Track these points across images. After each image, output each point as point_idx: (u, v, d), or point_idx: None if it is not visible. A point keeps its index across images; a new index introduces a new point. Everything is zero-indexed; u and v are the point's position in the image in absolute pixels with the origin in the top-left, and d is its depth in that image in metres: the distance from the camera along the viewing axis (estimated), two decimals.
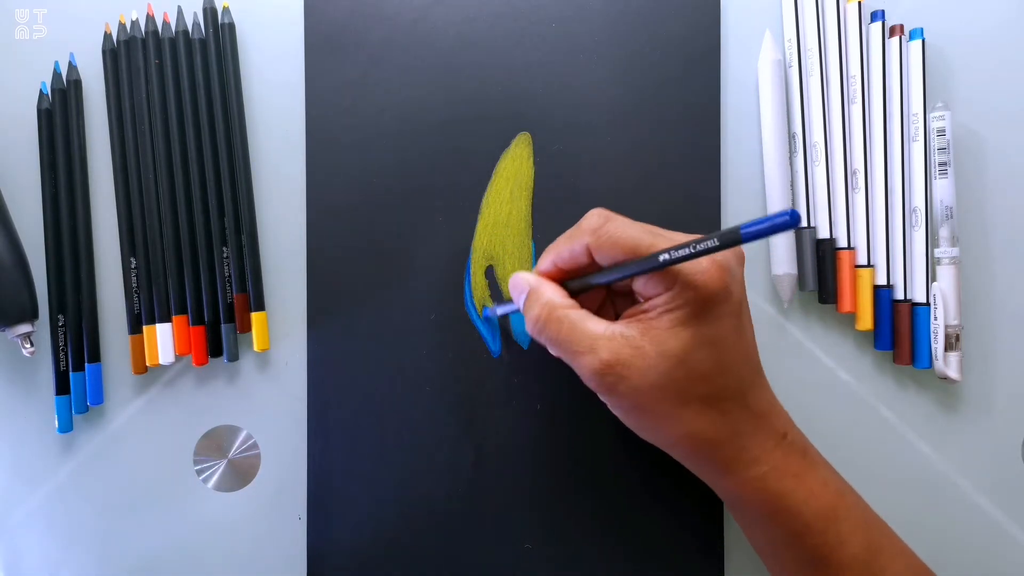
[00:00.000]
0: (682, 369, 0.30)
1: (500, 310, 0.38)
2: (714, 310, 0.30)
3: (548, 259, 0.34)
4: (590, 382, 0.32)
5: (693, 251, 0.28)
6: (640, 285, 0.32)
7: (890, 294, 0.40)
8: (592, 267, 0.33)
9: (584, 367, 0.31)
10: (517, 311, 0.36)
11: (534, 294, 0.34)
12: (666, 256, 0.29)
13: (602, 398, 0.33)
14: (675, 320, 0.30)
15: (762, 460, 0.32)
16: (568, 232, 0.34)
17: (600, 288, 0.35)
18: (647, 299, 0.31)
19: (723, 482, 0.33)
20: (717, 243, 0.28)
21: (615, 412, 0.33)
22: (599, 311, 0.36)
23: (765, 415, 0.33)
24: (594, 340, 0.31)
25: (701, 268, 0.30)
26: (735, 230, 0.27)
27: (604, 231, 0.32)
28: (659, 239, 0.31)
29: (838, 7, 0.40)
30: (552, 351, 0.33)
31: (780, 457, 0.32)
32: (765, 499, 0.32)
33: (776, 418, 0.33)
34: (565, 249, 0.33)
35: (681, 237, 0.31)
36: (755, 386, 0.33)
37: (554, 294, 0.33)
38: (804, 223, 0.40)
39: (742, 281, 0.32)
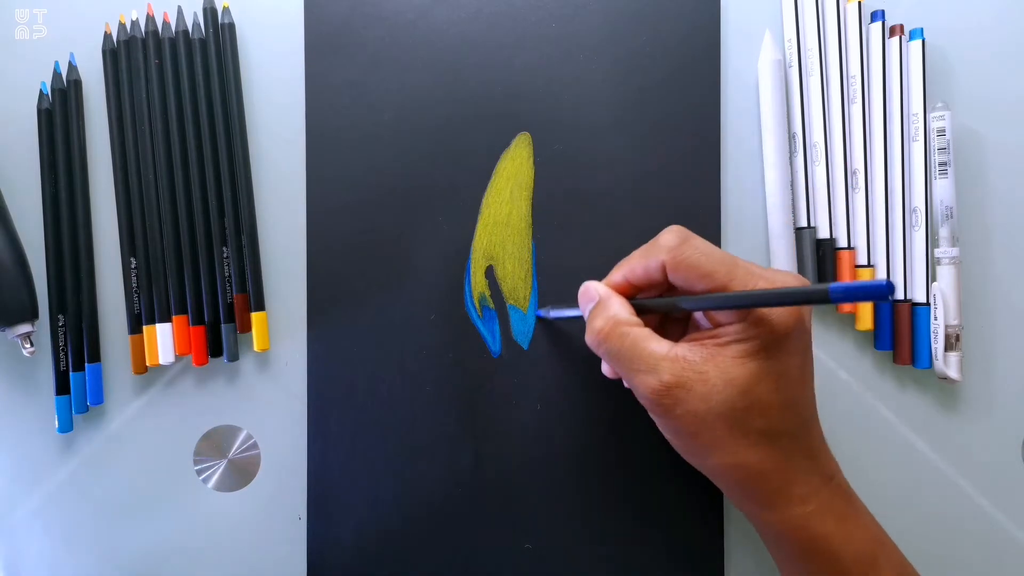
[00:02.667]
0: (745, 400, 0.30)
1: (556, 313, 0.38)
2: (785, 346, 0.30)
3: (620, 273, 0.34)
4: (646, 402, 0.31)
5: (776, 296, 0.28)
6: (711, 312, 0.31)
7: None
8: (664, 284, 0.33)
9: (643, 386, 0.31)
10: (575, 317, 0.35)
11: (602, 306, 0.33)
12: (748, 294, 0.29)
13: (655, 418, 0.32)
14: (744, 351, 0.30)
15: (808, 499, 0.31)
16: (643, 248, 0.33)
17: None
18: (716, 324, 0.31)
19: (765, 516, 0.32)
20: (805, 295, 0.28)
21: (665, 433, 0.33)
22: (660, 327, 0.36)
23: (816, 454, 0.32)
24: (656, 360, 0.31)
25: (777, 312, 0.30)
26: (823, 289, 0.26)
27: (682, 253, 0.31)
28: (737, 269, 0.30)
29: (838, 7, 0.40)
30: (609, 365, 0.33)
31: (826, 498, 0.32)
32: (807, 538, 0.31)
33: (825, 459, 0.33)
34: (639, 265, 0.33)
35: (758, 270, 0.31)
36: (810, 425, 0.32)
37: (620, 309, 0.33)
38: (804, 223, 0.40)
39: (811, 317, 0.32)
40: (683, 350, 0.31)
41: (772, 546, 0.34)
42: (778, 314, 0.30)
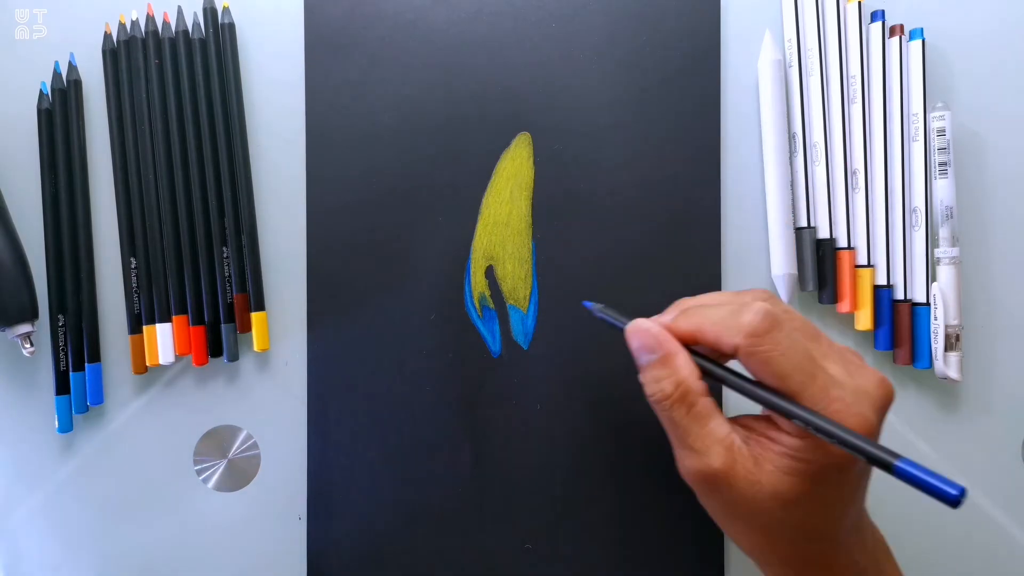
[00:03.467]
0: (786, 512, 0.29)
1: (601, 315, 0.35)
2: (838, 475, 0.29)
3: (690, 324, 0.31)
4: (688, 478, 0.31)
5: (843, 438, 0.27)
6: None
7: (890, 294, 0.40)
8: (728, 357, 0.30)
9: (689, 463, 0.30)
10: (620, 327, 0.33)
11: (671, 362, 0.30)
12: (816, 422, 0.27)
13: (689, 484, 0.31)
14: (796, 470, 0.28)
15: None
16: (723, 312, 0.30)
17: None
18: (777, 427, 0.29)
19: None
20: (871, 454, 0.26)
21: (699, 498, 0.32)
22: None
23: (854, 549, 0.31)
24: (712, 443, 0.29)
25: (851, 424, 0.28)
26: (890, 460, 0.26)
27: (762, 347, 0.28)
28: (815, 382, 0.28)
29: (838, 7, 0.40)
30: (662, 423, 0.31)
31: None
32: None
33: (861, 553, 0.31)
34: (711, 332, 0.30)
35: (837, 391, 0.28)
36: (853, 529, 0.31)
37: (691, 374, 0.30)
38: (804, 223, 0.40)
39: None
40: (739, 439, 0.29)
41: None
42: (831, 452, 0.28)
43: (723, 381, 0.31)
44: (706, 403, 0.30)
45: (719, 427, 0.30)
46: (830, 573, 0.31)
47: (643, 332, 0.31)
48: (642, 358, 0.31)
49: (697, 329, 0.30)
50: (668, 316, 0.32)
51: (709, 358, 0.31)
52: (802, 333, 0.30)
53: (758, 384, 0.30)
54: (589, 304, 0.36)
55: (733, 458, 0.29)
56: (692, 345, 0.31)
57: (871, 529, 0.33)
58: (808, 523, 0.29)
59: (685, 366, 0.30)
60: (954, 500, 0.24)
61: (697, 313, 0.31)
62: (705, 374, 0.31)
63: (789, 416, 0.28)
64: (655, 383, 0.31)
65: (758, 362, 0.29)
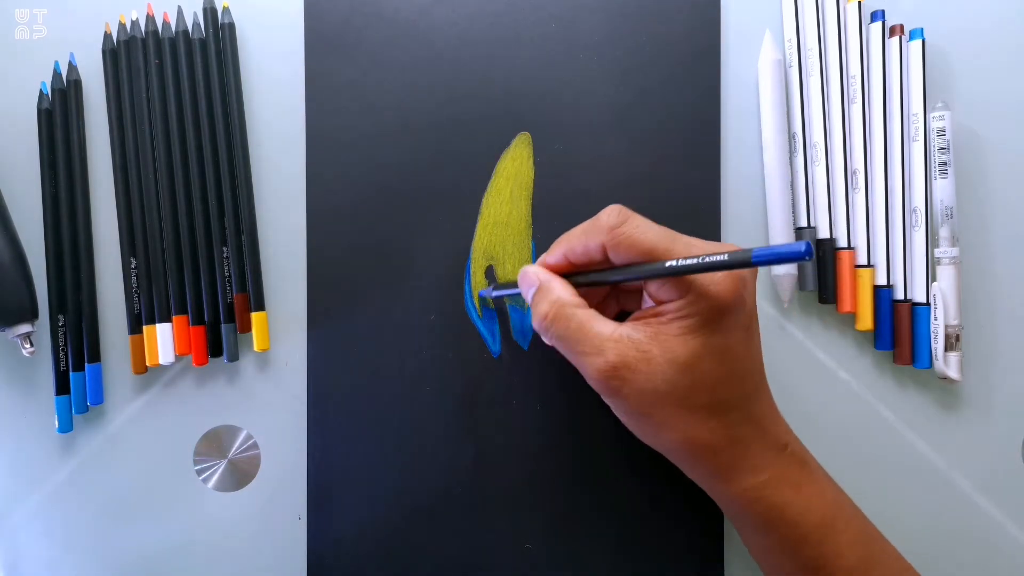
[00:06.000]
0: (688, 377, 0.30)
1: (496, 293, 0.39)
2: (725, 320, 0.30)
3: (559, 251, 0.34)
4: (594, 383, 0.32)
5: (701, 263, 0.29)
6: (654, 288, 0.32)
7: (890, 294, 0.40)
8: (604, 264, 0.33)
9: (589, 368, 0.31)
10: (515, 294, 0.36)
11: (544, 290, 0.33)
12: (673, 263, 0.29)
13: (605, 400, 0.33)
14: (685, 328, 0.30)
15: (761, 469, 0.32)
16: (583, 226, 0.33)
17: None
18: (659, 303, 0.31)
19: (721, 489, 0.33)
20: (727, 260, 0.28)
21: (617, 414, 0.33)
22: (603, 305, 0.36)
23: (767, 425, 0.33)
24: (601, 342, 0.31)
25: (716, 279, 0.30)
26: (747, 252, 0.27)
27: (622, 231, 0.31)
28: (677, 244, 0.31)
29: (838, 7, 0.40)
30: (558, 348, 0.33)
31: (780, 467, 0.32)
32: (763, 508, 0.32)
33: (777, 428, 0.33)
34: (579, 244, 0.33)
35: (699, 244, 0.31)
36: (758, 396, 0.33)
37: (563, 291, 0.33)
38: (804, 223, 0.40)
39: (754, 292, 0.32)
40: (627, 330, 0.31)
41: (732, 518, 0.35)
42: (717, 289, 0.30)
43: (600, 282, 0.33)
44: (586, 312, 0.32)
45: (604, 326, 0.31)
46: (755, 452, 0.32)
47: (522, 275, 0.35)
48: (528, 298, 0.34)
49: (568, 250, 0.33)
50: (541, 258, 0.35)
51: (580, 272, 0.34)
52: (652, 223, 0.32)
53: (629, 266, 0.32)
54: (483, 292, 0.40)
55: (626, 348, 0.31)
56: (570, 271, 0.34)
57: (787, 430, 0.34)
58: (712, 385, 0.30)
59: (557, 287, 0.33)
60: (803, 253, 0.26)
61: (563, 239, 0.34)
62: (581, 287, 0.33)
63: (655, 274, 0.30)
64: (537, 313, 0.33)
65: (625, 247, 0.31)
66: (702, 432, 0.31)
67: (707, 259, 0.28)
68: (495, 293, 0.39)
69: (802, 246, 0.25)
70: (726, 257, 0.28)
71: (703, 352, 0.30)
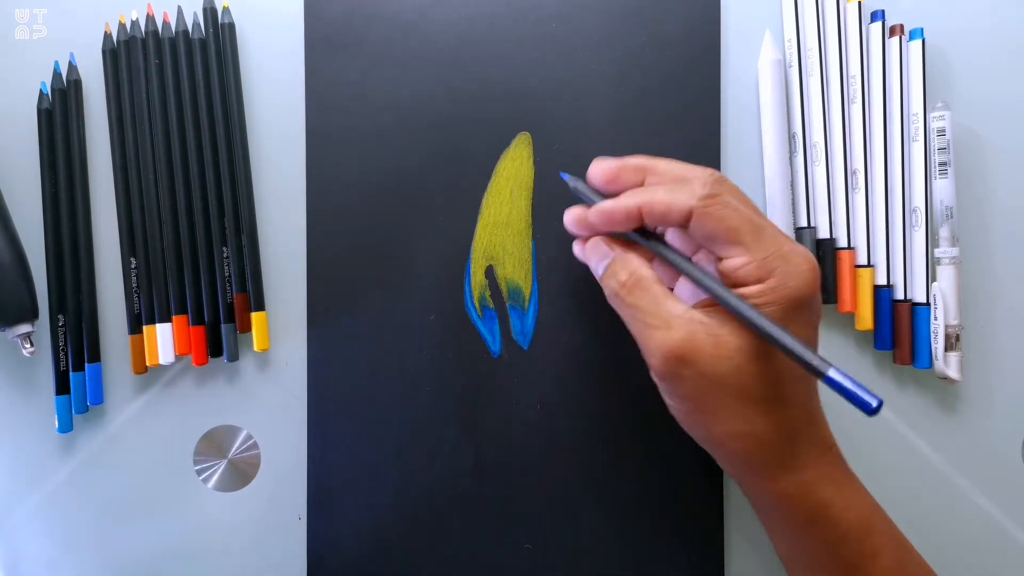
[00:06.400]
0: (756, 366, 0.30)
1: (583, 189, 0.36)
2: (801, 314, 0.30)
3: (632, 202, 0.32)
4: (656, 361, 0.31)
5: (772, 336, 0.29)
6: (730, 268, 0.31)
7: (890, 294, 0.40)
8: (679, 224, 0.32)
9: (655, 344, 0.30)
10: (598, 203, 0.33)
11: (624, 259, 0.33)
12: (746, 312, 0.30)
13: (661, 384, 0.32)
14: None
15: (809, 467, 0.31)
16: (668, 184, 0.32)
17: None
18: (735, 285, 0.31)
19: (767, 485, 0.32)
20: (806, 358, 0.28)
21: (669, 400, 0.32)
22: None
23: (818, 424, 0.32)
24: (672, 318, 0.30)
25: (799, 270, 0.30)
26: (822, 369, 0.28)
27: (717, 202, 0.30)
28: (763, 235, 0.30)
29: (838, 7, 0.40)
30: (624, 319, 0.33)
31: (825, 466, 0.32)
32: (807, 506, 0.31)
33: (825, 428, 0.33)
34: (662, 203, 0.31)
35: (781, 243, 0.30)
36: (814, 395, 0.33)
37: (642, 265, 0.32)
38: (804, 223, 0.40)
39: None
40: (699, 314, 0.31)
41: (771, 517, 0.34)
42: (799, 282, 0.30)
43: (668, 261, 0.33)
44: (662, 288, 0.32)
45: (676, 305, 0.31)
46: (804, 449, 0.32)
47: (593, 246, 0.34)
48: (599, 269, 0.34)
49: (645, 205, 0.32)
50: (612, 201, 0.33)
51: (658, 244, 0.33)
52: (744, 198, 0.32)
53: (702, 275, 0.31)
54: (565, 176, 0.37)
55: (695, 328, 0.30)
56: (637, 226, 0.33)
57: (830, 431, 0.34)
58: (777, 378, 0.30)
59: (635, 259, 0.33)
60: (871, 408, 0.26)
61: (642, 190, 0.33)
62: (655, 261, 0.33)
63: (722, 302, 0.30)
64: (612, 278, 0.33)
65: (713, 219, 0.30)
66: (758, 426, 0.31)
67: (788, 340, 0.29)
68: (574, 186, 0.36)
69: (874, 401, 0.26)
70: (803, 356, 0.28)
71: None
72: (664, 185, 0.32)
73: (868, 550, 0.32)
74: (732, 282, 0.31)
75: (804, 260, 0.30)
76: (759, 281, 0.30)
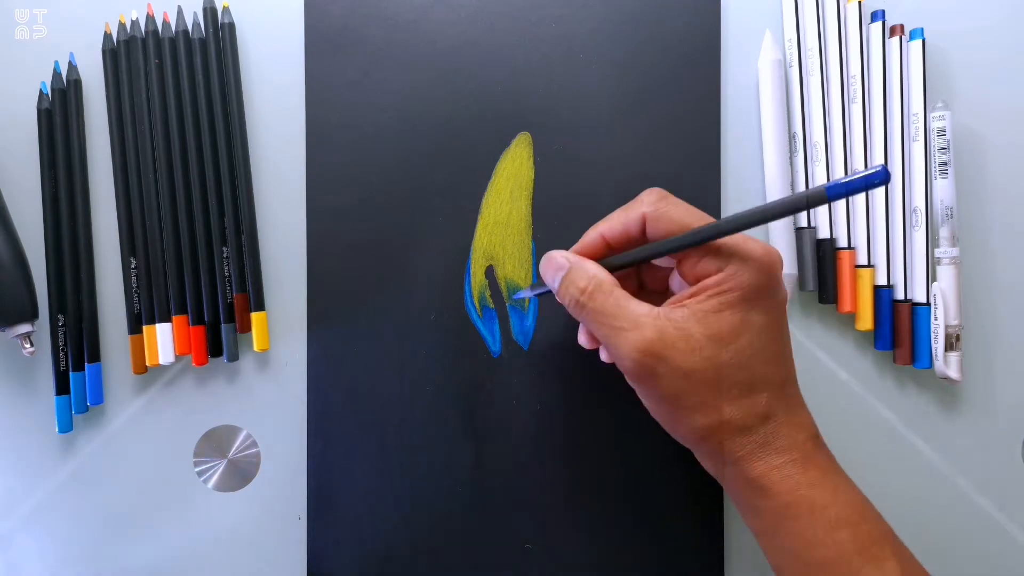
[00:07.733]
0: (727, 352, 0.30)
1: (528, 293, 0.39)
2: (764, 298, 0.31)
3: (597, 231, 0.34)
4: (628, 363, 0.31)
5: (760, 209, 0.29)
6: (689, 267, 0.32)
7: (890, 294, 0.40)
8: (640, 242, 0.33)
9: (625, 345, 0.31)
10: (547, 292, 0.35)
11: (578, 268, 0.33)
12: (719, 224, 0.30)
13: (636, 385, 0.32)
14: (724, 303, 0.30)
15: (793, 449, 0.31)
16: (623, 208, 0.34)
17: (631, 279, 0.36)
18: (696, 281, 0.31)
19: (749, 471, 0.31)
20: (803, 196, 0.28)
21: (646, 400, 0.33)
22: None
23: (797, 409, 0.32)
24: (638, 317, 0.31)
25: (756, 254, 0.31)
26: (820, 188, 0.27)
27: (663, 206, 0.32)
28: (709, 219, 0.32)
29: (838, 7, 0.40)
30: (590, 326, 0.33)
31: (810, 450, 0.32)
32: (791, 489, 0.31)
33: (806, 416, 0.33)
34: (618, 221, 0.33)
35: (739, 234, 0.31)
36: (790, 381, 0.33)
37: (599, 270, 0.33)
38: (804, 223, 0.40)
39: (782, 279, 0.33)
40: (665, 310, 0.31)
41: (754, 507, 0.33)
42: (757, 263, 0.31)
43: (636, 261, 0.33)
44: (622, 291, 0.32)
45: (641, 305, 0.32)
46: (784, 432, 0.31)
47: (547, 260, 0.35)
48: (555, 282, 0.34)
49: (607, 228, 0.34)
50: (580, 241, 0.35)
51: (614, 255, 0.34)
52: (691, 206, 0.33)
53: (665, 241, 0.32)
54: (519, 294, 0.40)
55: (663, 324, 0.31)
56: (603, 255, 0.34)
57: (813, 421, 0.34)
58: (749, 361, 0.31)
59: (591, 266, 0.33)
60: (882, 174, 0.26)
61: (601, 222, 0.35)
62: (613, 271, 0.33)
63: (699, 239, 0.31)
64: (569, 287, 0.33)
65: (665, 220, 0.32)
66: (738, 413, 0.31)
67: (774, 203, 0.29)
68: (528, 293, 0.39)
69: (879, 169, 0.25)
70: (796, 197, 0.29)
71: (742, 328, 0.30)
72: (617, 211, 0.34)
73: (860, 536, 0.31)
74: (693, 279, 0.32)
75: (758, 246, 0.31)
76: (718, 271, 0.31)
